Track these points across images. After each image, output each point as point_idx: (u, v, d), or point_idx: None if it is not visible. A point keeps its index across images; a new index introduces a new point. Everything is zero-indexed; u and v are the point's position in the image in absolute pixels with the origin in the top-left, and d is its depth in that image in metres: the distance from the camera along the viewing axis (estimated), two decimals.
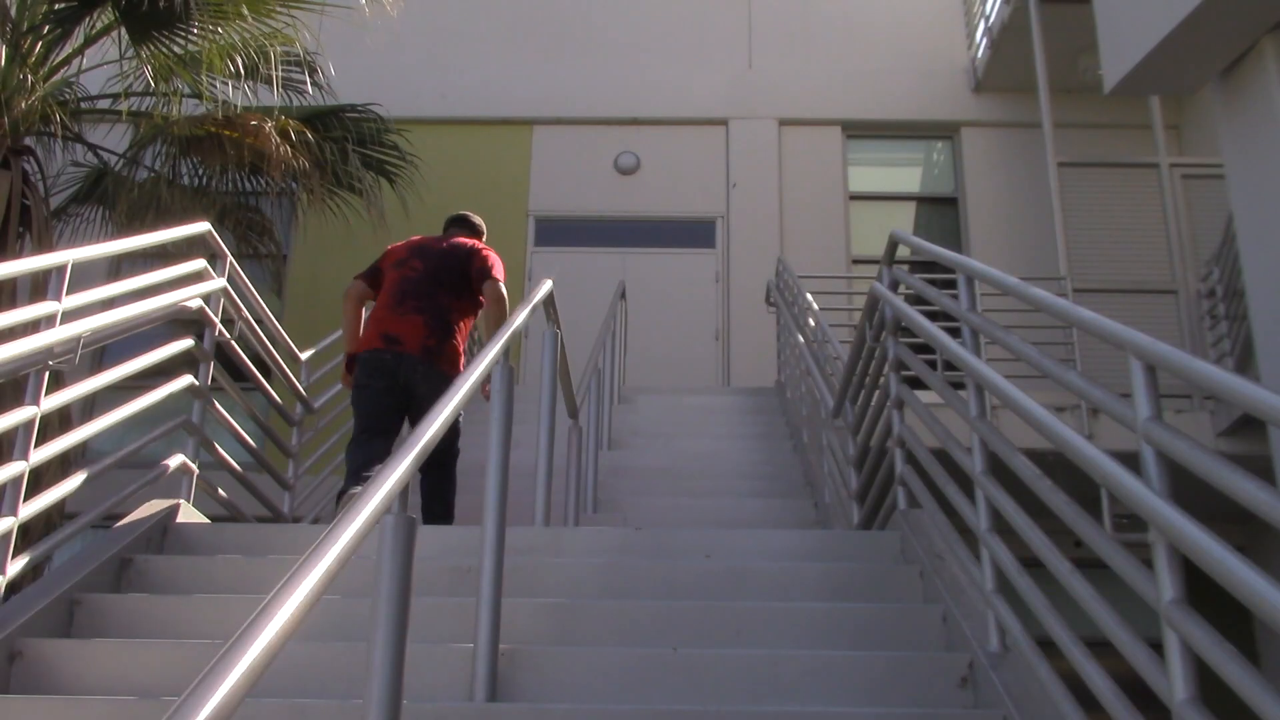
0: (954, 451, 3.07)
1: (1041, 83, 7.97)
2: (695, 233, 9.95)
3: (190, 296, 4.04)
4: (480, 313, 4.71)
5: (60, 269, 3.24)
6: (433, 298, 4.50)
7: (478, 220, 5.03)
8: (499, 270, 4.60)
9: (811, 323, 6.43)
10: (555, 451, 4.11)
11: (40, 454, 3.10)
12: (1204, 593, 1.98)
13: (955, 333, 3.15)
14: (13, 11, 6.45)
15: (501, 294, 4.55)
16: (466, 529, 3.74)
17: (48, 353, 3.13)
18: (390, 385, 4.23)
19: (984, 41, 9.85)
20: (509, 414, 2.80)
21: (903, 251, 4.10)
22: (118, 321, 3.49)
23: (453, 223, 4.97)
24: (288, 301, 9.29)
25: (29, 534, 3.26)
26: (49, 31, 6.61)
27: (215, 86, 6.83)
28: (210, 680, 1.07)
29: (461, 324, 4.58)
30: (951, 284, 3.21)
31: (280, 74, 7.17)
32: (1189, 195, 7.52)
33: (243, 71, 6.81)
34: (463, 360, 4.55)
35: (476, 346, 8.26)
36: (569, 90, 10.25)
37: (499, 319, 4.46)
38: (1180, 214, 7.46)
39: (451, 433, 3.82)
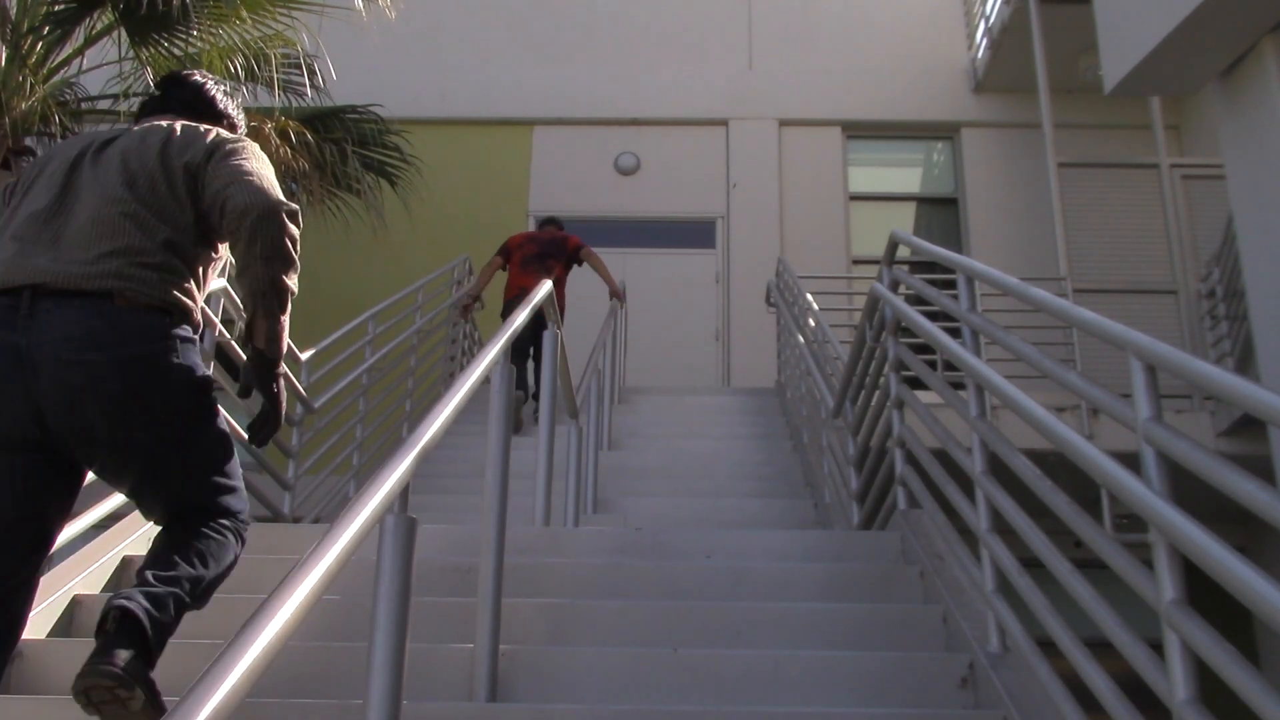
0: (954, 452, 3.07)
1: (1042, 83, 7.97)
2: (695, 233, 9.96)
3: None
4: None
5: None
6: (544, 264, 7.05)
7: (560, 219, 7.73)
8: (583, 247, 7.33)
9: (812, 323, 6.43)
10: (555, 452, 4.12)
11: None
12: (1204, 593, 1.98)
13: (955, 333, 3.15)
14: (13, 12, 6.45)
15: (595, 254, 7.33)
16: (466, 529, 3.74)
17: None
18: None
19: (984, 42, 9.85)
20: (509, 414, 2.80)
21: (903, 252, 4.10)
22: None
23: (547, 221, 7.65)
24: None
25: None
26: (49, 32, 6.61)
27: None
28: (210, 680, 1.07)
29: (563, 279, 7.16)
30: (951, 284, 3.21)
31: (280, 75, 7.16)
32: (1189, 196, 7.53)
33: (242, 73, 6.80)
34: (563, 298, 7.02)
35: (473, 346, 8.31)
36: (569, 91, 10.26)
37: (603, 266, 7.30)
38: (1180, 214, 7.46)
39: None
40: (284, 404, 2.34)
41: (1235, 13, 4.35)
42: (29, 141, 6.74)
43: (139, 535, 3.62)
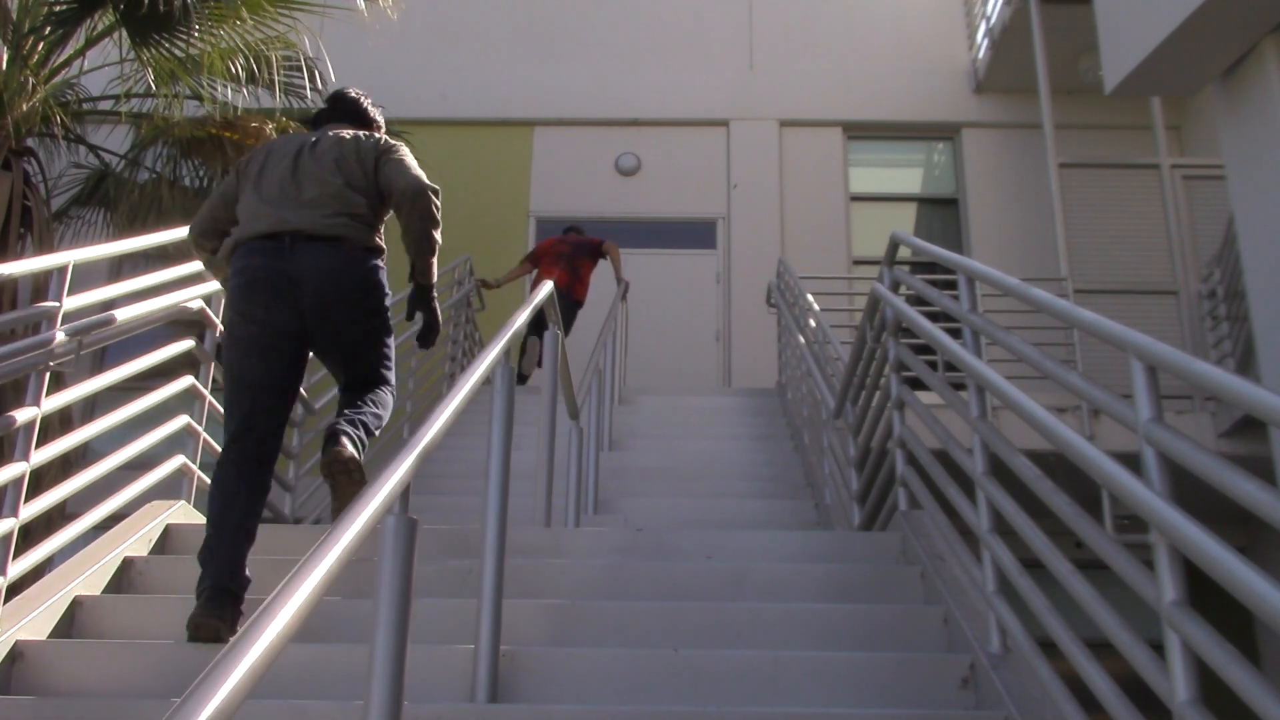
0: (955, 452, 3.07)
1: (1042, 83, 7.97)
2: (696, 233, 9.96)
3: (191, 297, 4.04)
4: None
5: (61, 270, 3.24)
6: (573, 262, 8.13)
7: (580, 226, 8.78)
8: (605, 241, 8.39)
9: (812, 324, 6.42)
10: (556, 452, 4.12)
11: (41, 455, 3.10)
12: (1205, 594, 1.98)
13: (956, 334, 3.15)
14: (14, 14, 6.45)
15: (617, 250, 8.34)
16: (467, 530, 3.74)
17: (49, 354, 3.14)
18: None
19: (985, 42, 9.85)
20: (510, 415, 2.80)
21: (904, 252, 4.10)
22: (119, 323, 3.49)
23: (570, 228, 8.67)
24: None
25: (30, 535, 3.26)
26: (50, 33, 6.61)
27: (216, 89, 6.83)
28: (211, 681, 1.07)
29: (587, 276, 8.23)
30: (952, 285, 3.21)
31: (281, 77, 7.16)
32: (1190, 196, 7.52)
33: (242, 75, 6.80)
34: (585, 292, 8.23)
35: (475, 345, 8.31)
36: (570, 91, 10.26)
37: (619, 262, 8.30)
38: (1181, 215, 7.46)
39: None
40: (439, 317, 3.50)
41: (1236, 13, 4.35)
42: (30, 142, 6.74)
43: (139, 537, 3.62)
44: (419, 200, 3.25)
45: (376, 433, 3.22)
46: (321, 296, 3.13)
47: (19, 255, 6.13)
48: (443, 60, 10.30)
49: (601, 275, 8.32)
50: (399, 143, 3.40)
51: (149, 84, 6.86)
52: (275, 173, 3.25)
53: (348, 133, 3.39)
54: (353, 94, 3.62)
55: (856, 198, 10.01)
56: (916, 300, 4.02)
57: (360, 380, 3.33)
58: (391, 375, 3.41)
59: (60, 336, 3.16)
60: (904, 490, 3.69)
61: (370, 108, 3.62)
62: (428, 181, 3.27)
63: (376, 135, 3.42)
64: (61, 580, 3.18)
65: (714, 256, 9.87)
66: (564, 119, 10.21)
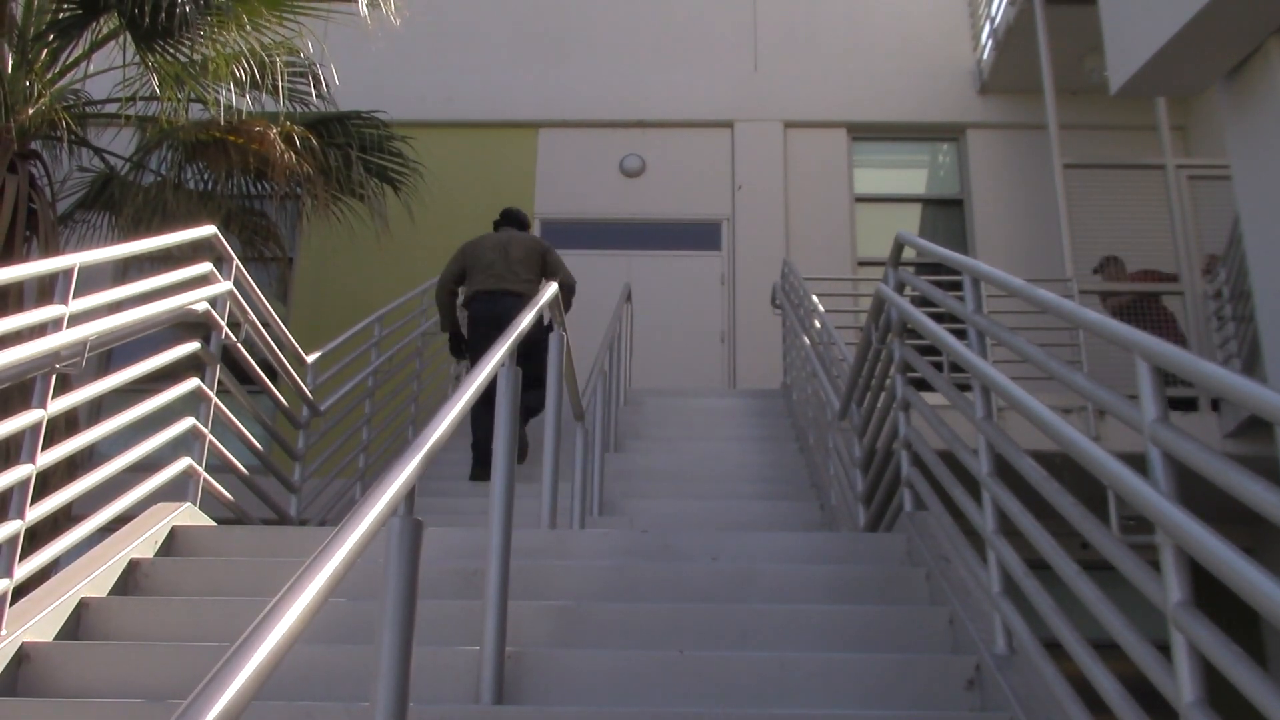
0: (960, 453, 3.07)
1: (1047, 84, 7.97)
2: (701, 235, 9.95)
3: (196, 300, 4.05)
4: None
5: (67, 272, 3.25)
6: None
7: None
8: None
9: (817, 325, 6.42)
10: (561, 453, 4.12)
11: (47, 457, 3.11)
12: (1211, 595, 1.97)
13: (961, 334, 3.15)
14: (19, 19, 6.47)
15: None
16: (472, 531, 3.75)
17: (55, 356, 3.14)
18: None
19: (989, 43, 9.84)
20: (515, 415, 2.80)
21: (908, 253, 4.10)
22: (124, 325, 3.50)
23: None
24: (293, 306, 9.31)
25: (36, 537, 3.26)
26: (54, 38, 6.62)
27: (220, 93, 6.84)
28: (217, 683, 1.07)
29: None
30: (957, 286, 3.21)
31: (285, 82, 7.17)
32: (1195, 196, 7.50)
33: (246, 80, 6.81)
34: None
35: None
36: (574, 93, 10.26)
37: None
38: (1186, 215, 7.44)
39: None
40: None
41: (1241, 13, 4.34)
42: (35, 146, 6.76)
43: (145, 539, 3.63)
44: (568, 291, 6.14)
45: (540, 409, 5.81)
46: (512, 316, 4.87)
47: (25, 258, 6.14)
48: (447, 63, 10.31)
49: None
50: (549, 245, 6.37)
51: (153, 88, 6.87)
52: (492, 257, 6.19)
53: (527, 236, 6.36)
54: (515, 210, 6.61)
55: (861, 199, 10.00)
56: (921, 301, 4.02)
57: (532, 378, 4.75)
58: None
59: (67, 339, 3.17)
60: (909, 491, 3.69)
61: (526, 216, 6.63)
62: (571, 277, 6.27)
63: (542, 242, 6.36)
64: (67, 582, 3.19)
65: (719, 258, 9.87)
66: (568, 121, 10.22)
